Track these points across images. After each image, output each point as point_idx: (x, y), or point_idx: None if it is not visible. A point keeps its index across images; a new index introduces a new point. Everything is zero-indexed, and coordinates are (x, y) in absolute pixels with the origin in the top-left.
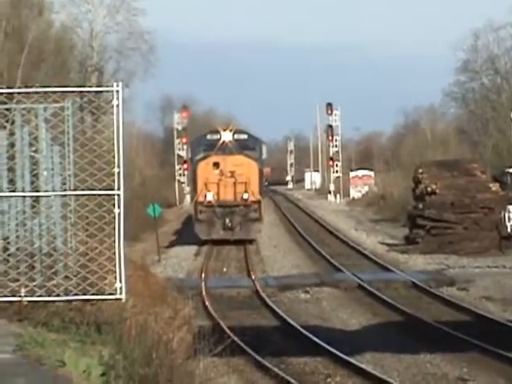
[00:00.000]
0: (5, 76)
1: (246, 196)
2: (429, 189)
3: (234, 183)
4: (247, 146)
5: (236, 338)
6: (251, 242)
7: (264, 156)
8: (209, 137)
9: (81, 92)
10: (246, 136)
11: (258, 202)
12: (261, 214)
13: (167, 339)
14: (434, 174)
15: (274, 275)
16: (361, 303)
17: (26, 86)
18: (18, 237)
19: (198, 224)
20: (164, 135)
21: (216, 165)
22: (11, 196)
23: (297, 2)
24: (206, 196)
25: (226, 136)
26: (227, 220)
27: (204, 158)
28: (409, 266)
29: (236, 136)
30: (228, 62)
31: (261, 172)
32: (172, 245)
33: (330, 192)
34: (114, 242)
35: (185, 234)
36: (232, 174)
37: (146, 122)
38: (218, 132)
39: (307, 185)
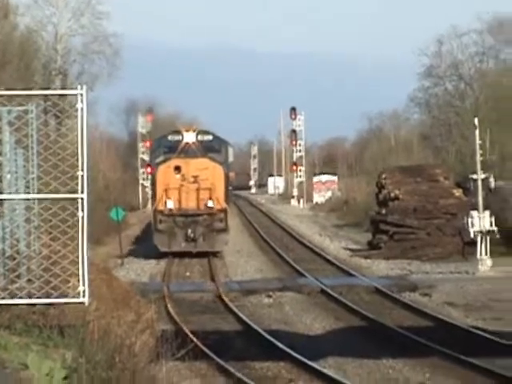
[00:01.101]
0: None
1: (210, 204)
2: (392, 194)
3: (198, 189)
4: (212, 148)
5: (199, 343)
6: (215, 254)
7: (230, 159)
8: (170, 138)
9: (45, 95)
10: (210, 137)
11: (224, 210)
12: (227, 223)
13: (130, 343)
14: (398, 179)
15: (237, 280)
16: (324, 308)
17: None
18: None
19: (157, 235)
20: (128, 139)
21: (177, 169)
22: None
23: (261, 9)
24: (166, 203)
25: (189, 137)
26: (189, 230)
27: (164, 161)
28: (372, 271)
29: (200, 137)
30: (192, 67)
31: (227, 177)
32: (135, 248)
33: (293, 197)
34: (78, 245)
35: (147, 239)
36: (195, 179)
37: (109, 125)
38: (179, 133)
39: (270, 189)
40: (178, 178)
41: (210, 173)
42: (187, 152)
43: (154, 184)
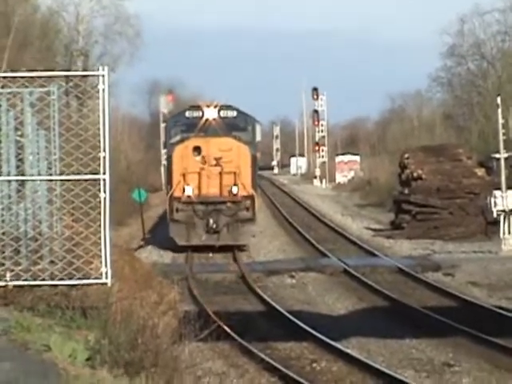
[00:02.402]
0: None
1: (235, 190)
2: (415, 174)
3: (220, 173)
4: (237, 125)
5: (221, 323)
6: (240, 248)
7: (258, 138)
8: (188, 114)
9: (66, 76)
10: (234, 113)
11: (251, 197)
12: (254, 212)
13: (153, 324)
14: (420, 159)
15: (259, 260)
16: (346, 288)
17: (12, 70)
18: (3, 221)
19: (173, 226)
20: (150, 119)
21: (197, 150)
22: None
23: None
24: (184, 190)
25: (210, 113)
26: (211, 221)
27: (181, 142)
28: (394, 251)
29: (222, 113)
30: (215, 48)
31: (254, 159)
32: (158, 230)
33: (315, 177)
34: (100, 226)
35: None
36: (217, 161)
37: (132, 106)
38: (199, 108)
39: (293, 170)
40: (197, 161)
41: (234, 154)
42: (208, 130)
43: (169, 168)
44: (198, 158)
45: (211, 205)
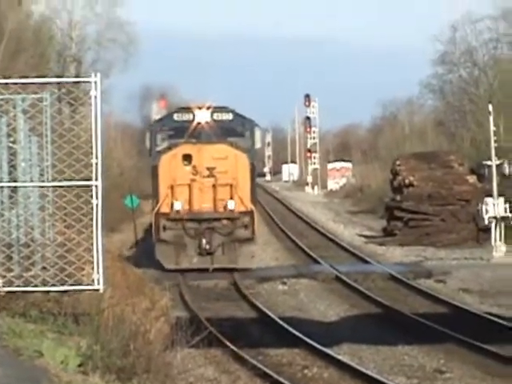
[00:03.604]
0: None
1: (231, 205)
2: (406, 181)
3: (214, 186)
4: (233, 130)
5: (213, 330)
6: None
7: (257, 145)
8: (176, 117)
9: (59, 83)
10: (230, 116)
11: (250, 213)
12: (254, 231)
13: (145, 330)
14: (412, 166)
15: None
16: (338, 295)
17: (5, 77)
18: None
19: (160, 247)
20: (142, 126)
21: (187, 158)
22: None
23: None
24: (172, 205)
25: (202, 116)
26: (204, 241)
27: (169, 149)
28: (386, 257)
29: (216, 116)
30: (207, 55)
31: (253, 168)
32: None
33: (307, 184)
34: (92, 232)
35: None
36: (211, 171)
37: (125, 112)
38: (189, 110)
39: (285, 177)
40: (187, 171)
41: (230, 163)
42: (200, 136)
43: (154, 179)
44: (189, 168)
45: (204, 222)
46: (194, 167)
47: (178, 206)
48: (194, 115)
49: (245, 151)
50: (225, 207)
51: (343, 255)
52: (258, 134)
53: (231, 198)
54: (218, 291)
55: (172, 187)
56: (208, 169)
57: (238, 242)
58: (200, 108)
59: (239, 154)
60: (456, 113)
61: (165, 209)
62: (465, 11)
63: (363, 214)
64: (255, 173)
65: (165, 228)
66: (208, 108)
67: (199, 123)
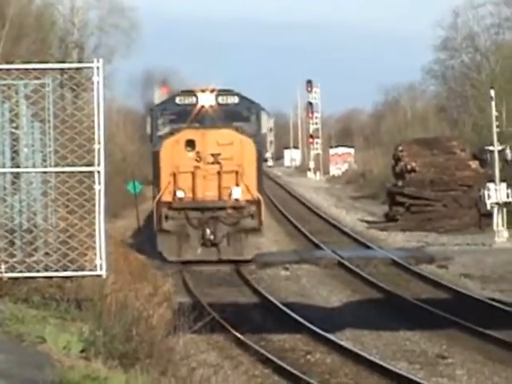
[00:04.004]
0: None
1: (237, 193)
2: (408, 166)
3: (219, 173)
4: (239, 114)
5: (216, 315)
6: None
7: (264, 130)
8: (178, 101)
9: (61, 68)
10: (236, 99)
11: (257, 201)
12: (261, 221)
13: (147, 316)
14: (414, 151)
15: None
16: (340, 280)
17: (7, 62)
18: None
19: (162, 237)
20: (144, 111)
21: (190, 144)
22: None
23: None
24: (174, 193)
25: (206, 99)
26: (208, 231)
27: (171, 134)
28: (388, 243)
29: (221, 99)
30: (209, 39)
31: (259, 155)
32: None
33: (309, 169)
34: (95, 218)
35: None
36: (215, 158)
37: (127, 97)
38: (192, 93)
39: (287, 162)
40: (190, 157)
41: (236, 149)
42: (203, 120)
43: (156, 166)
44: (192, 155)
45: (208, 211)
46: (198, 153)
47: (180, 194)
48: (197, 98)
49: (251, 136)
50: (230, 195)
51: (345, 241)
52: (264, 118)
53: (237, 186)
54: (221, 276)
55: (174, 174)
56: (212, 155)
57: (244, 232)
58: (204, 91)
59: (245, 140)
60: (458, 98)
61: (167, 197)
62: None
63: (365, 200)
64: (261, 159)
65: (167, 217)
66: (212, 91)
67: (203, 107)
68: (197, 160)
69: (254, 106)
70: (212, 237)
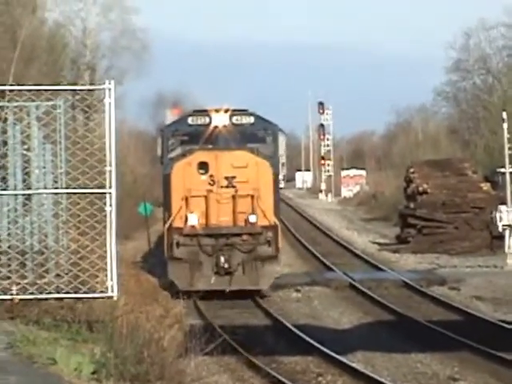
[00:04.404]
0: None
1: (252, 219)
2: (420, 188)
3: (234, 197)
4: (254, 135)
5: (227, 337)
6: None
7: (281, 152)
8: (191, 121)
9: (73, 90)
10: (251, 119)
11: (274, 227)
12: (278, 248)
13: (158, 337)
14: (426, 173)
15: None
16: (352, 302)
17: (19, 84)
18: (9, 234)
19: (173, 265)
20: (155, 133)
21: (203, 166)
22: (3, 194)
23: (289, 3)
24: (186, 219)
25: (220, 119)
26: (222, 259)
27: (183, 156)
28: (400, 265)
29: (236, 119)
30: (221, 61)
31: (276, 178)
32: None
33: (321, 191)
34: (106, 240)
35: None
36: (230, 181)
37: (139, 119)
38: (205, 113)
39: (298, 184)
40: (203, 180)
41: (251, 172)
42: (217, 141)
43: (167, 190)
44: (205, 178)
45: (222, 238)
46: (211, 176)
47: (192, 219)
48: (210, 118)
49: (267, 158)
50: (245, 221)
51: (357, 262)
52: (281, 139)
53: (253, 211)
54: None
55: (186, 199)
56: (226, 178)
57: (261, 260)
58: (217, 111)
59: (261, 162)
60: (470, 120)
61: (178, 223)
62: (478, 18)
63: (377, 222)
64: (278, 182)
65: (178, 244)
66: (226, 111)
67: (216, 127)
68: (210, 183)
69: (270, 127)
70: (226, 265)
